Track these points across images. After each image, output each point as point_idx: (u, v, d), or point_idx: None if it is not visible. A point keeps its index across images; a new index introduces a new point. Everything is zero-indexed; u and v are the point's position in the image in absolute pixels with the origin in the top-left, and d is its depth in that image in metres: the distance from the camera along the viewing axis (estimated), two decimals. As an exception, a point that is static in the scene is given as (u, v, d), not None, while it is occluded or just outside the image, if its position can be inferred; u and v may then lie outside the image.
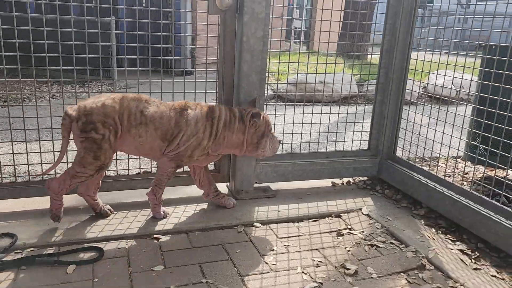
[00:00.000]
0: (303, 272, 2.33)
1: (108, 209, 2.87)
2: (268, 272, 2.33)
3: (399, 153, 3.58)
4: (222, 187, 3.32)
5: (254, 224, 2.86)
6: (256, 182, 3.34)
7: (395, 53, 3.38)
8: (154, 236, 2.65)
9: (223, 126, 2.67)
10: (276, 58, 3.28)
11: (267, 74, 3.15)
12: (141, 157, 2.94)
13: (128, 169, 3.11)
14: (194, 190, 3.28)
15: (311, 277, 2.29)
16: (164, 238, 2.64)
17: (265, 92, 3.21)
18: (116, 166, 3.13)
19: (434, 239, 2.75)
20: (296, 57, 3.43)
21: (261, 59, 3.02)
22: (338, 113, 3.67)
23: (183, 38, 9.37)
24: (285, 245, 2.62)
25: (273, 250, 2.56)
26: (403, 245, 2.67)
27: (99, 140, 2.42)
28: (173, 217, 2.89)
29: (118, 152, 2.70)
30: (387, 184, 3.55)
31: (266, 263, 2.42)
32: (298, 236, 2.76)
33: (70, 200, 3.02)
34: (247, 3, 2.86)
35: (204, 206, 3.07)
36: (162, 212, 2.86)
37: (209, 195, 3.01)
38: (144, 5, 11.18)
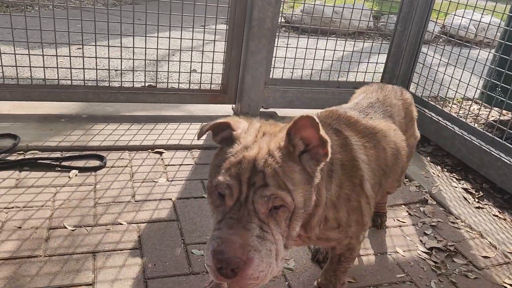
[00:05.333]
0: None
1: None
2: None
3: (412, 88, 3.46)
4: (228, 110, 3.25)
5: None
6: (262, 107, 3.26)
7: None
8: (157, 150, 2.62)
9: None
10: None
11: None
12: None
13: (133, 81, 3.00)
14: (197, 108, 3.21)
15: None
16: (167, 153, 2.61)
17: (280, 16, 3.02)
18: (121, 77, 3.02)
19: (439, 176, 2.73)
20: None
21: (280, -26, 2.81)
22: (354, 43, 3.52)
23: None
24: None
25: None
26: (407, 180, 2.65)
27: None
28: (177, 133, 2.84)
29: (123, 64, 2.59)
30: (396, 120, 3.47)
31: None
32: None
33: (73, 108, 2.96)
34: None
35: (209, 125, 3.01)
36: None
37: None
38: None
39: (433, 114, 3.09)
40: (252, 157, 1.08)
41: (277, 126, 1.22)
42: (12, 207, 1.95)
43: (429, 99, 3.34)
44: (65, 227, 1.87)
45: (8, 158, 2.33)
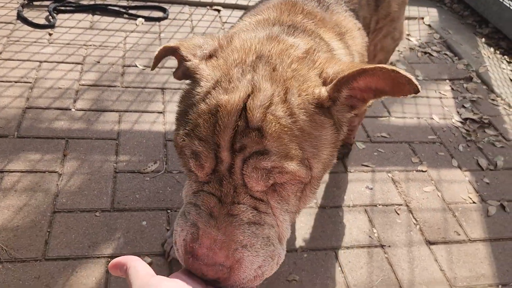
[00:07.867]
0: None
1: None
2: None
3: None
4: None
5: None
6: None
7: None
8: (216, 7, 2.73)
9: None
10: None
11: None
12: None
13: None
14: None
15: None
16: (224, 11, 2.72)
17: None
18: None
19: (489, 57, 2.73)
20: None
21: None
22: None
23: None
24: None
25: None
26: (456, 58, 2.68)
27: None
28: (235, -7, 2.90)
29: None
30: (458, -2, 3.34)
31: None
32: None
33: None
34: None
35: None
36: None
37: None
38: None
39: (498, -6, 2.96)
40: (235, 103, 0.67)
41: (288, 44, 0.79)
42: (90, 45, 2.20)
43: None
44: (137, 66, 2.12)
45: (82, 2, 2.52)
